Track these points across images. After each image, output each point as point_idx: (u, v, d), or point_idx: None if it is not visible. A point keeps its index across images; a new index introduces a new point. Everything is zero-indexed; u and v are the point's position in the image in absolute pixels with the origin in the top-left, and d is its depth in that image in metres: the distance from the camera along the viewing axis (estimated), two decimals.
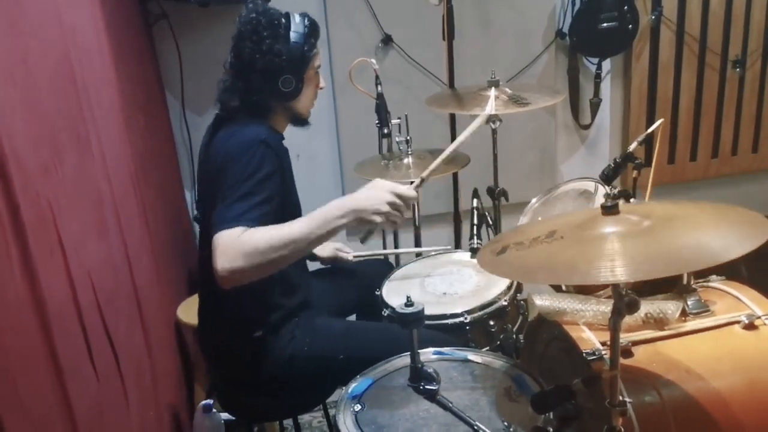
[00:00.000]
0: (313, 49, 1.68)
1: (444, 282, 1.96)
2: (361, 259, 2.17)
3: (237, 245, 1.42)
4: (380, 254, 2.33)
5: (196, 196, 2.80)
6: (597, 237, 1.17)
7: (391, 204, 1.57)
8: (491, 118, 2.25)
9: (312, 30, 1.67)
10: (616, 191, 1.87)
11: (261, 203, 1.50)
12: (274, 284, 1.59)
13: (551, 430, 1.27)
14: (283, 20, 1.64)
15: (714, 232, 1.17)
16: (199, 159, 1.82)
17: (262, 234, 1.45)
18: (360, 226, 1.62)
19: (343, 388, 1.45)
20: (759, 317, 1.52)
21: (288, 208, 1.65)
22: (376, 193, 1.58)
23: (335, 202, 1.56)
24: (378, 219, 1.56)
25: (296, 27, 1.64)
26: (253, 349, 1.68)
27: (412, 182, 1.75)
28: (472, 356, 1.52)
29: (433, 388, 1.33)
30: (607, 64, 3.07)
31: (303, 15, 1.68)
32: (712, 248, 1.10)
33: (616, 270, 1.06)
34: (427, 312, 1.29)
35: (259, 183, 1.51)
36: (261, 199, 1.50)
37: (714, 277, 1.70)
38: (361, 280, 2.07)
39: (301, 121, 1.78)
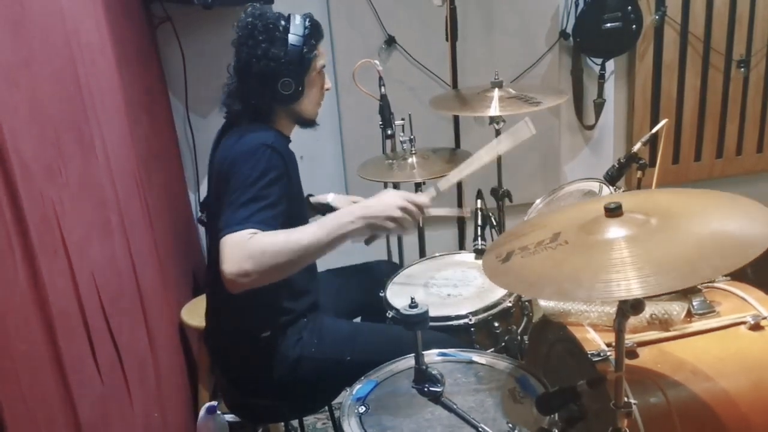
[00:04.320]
0: (314, 51, 1.67)
1: (448, 283, 1.96)
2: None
3: (244, 248, 1.41)
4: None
5: (199, 198, 2.82)
6: (604, 243, 1.13)
7: (403, 209, 1.55)
8: (495, 119, 2.24)
9: (313, 31, 1.66)
10: (620, 192, 1.86)
11: (267, 207, 1.49)
12: (280, 289, 1.59)
13: (556, 431, 1.26)
14: (282, 23, 1.62)
15: (733, 220, 1.02)
16: (208, 164, 1.82)
17: (271, 238, 1.44)
18: (371, 232, 1.59)
19: (348, 389, 1.45)
20: (765, 318, 1.51)
21: (295, 213, 1.65)
22: (388, 199, 1.57)
23: (346, 208, 1.55)
24: (390, 225, 1.54)
25: (296, 29, 1.62)
26: (261, 350, 1.68)
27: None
28: (476, 357, 1.52)
29: (438, 389, 1.33)
30: (610, 65, 3.06)
31: (305, 16, 1.66)
32: (746, 237, 0.86)
33: (632, 284, 0.99)
34: (431, 313, 1.29)
35: (265, 187, 1.50)
36: (268, 203, 1.49)
37: (719, 277, 1.69)
38: (364, 282, 2.06)
39: (307, 122, 1.77)
